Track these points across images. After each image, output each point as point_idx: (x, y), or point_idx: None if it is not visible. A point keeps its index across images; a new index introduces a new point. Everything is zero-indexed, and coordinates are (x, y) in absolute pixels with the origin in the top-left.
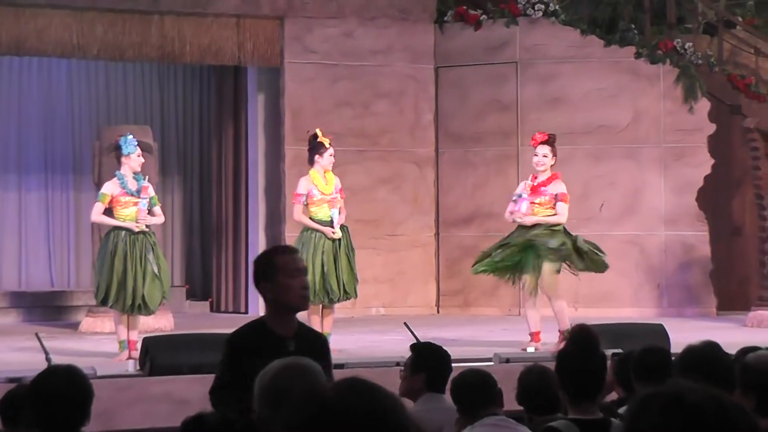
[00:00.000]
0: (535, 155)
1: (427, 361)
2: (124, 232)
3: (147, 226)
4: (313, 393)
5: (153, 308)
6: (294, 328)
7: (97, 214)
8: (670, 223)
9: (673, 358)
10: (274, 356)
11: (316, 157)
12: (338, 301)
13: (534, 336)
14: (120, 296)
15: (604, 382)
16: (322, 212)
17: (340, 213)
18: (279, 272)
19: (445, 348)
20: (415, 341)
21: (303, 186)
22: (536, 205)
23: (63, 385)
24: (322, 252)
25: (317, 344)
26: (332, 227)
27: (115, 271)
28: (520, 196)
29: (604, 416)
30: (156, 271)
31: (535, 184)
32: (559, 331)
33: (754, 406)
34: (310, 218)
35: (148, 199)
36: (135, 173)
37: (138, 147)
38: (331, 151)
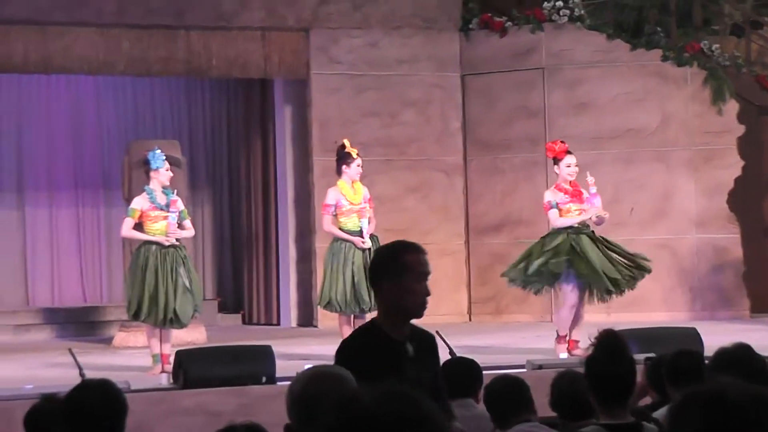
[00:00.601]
0: (568, 165)
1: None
2: (154, 247)
3: (177, 239)
4: (348, 399)
5: (185, 321)
6: (408, 330)
7: (127, 230)
8: (701, 225)
9: (706, 362)
10: (393, 362)
11: (344, 167)
12: (369, 311)
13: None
14: (152, 310)
15: (633, 386)
16: (351, 222)
17: (369, 222)
18: (407, 272)
19: (474, 358)
20: (447, 350)
21: (332, 197)
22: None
23: (97, 400)
24: (353, 262)
25: (431, 344)
26: (362, 237)
27: (147, 285)
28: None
29: (636, 420)
30: (188, 284)
31: (570, 191)
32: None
33: None
34: (340, 228)
35: (177, 213)
36: (164, 187)
37: (166, 161)
38: (358, 161)
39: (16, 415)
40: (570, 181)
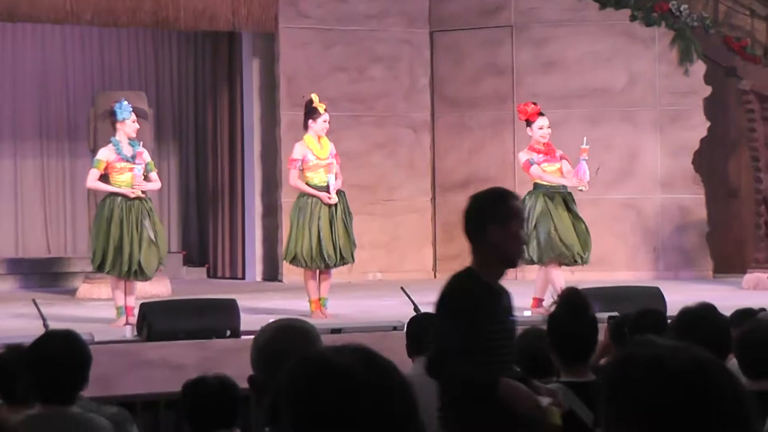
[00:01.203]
0: (541, 127)
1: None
2: (119, 198)
3: (143, 191)
4: (312, 354)
5: (150, 274)
6: (499, 280)
7: (92, 181)
8: (666, 186)
9: (669, 321)
10: (498, 310)
11: (310, 122)
12: (335, 266)
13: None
14: (116, 262)
15: (595, 344)
16: (317, 177)
17: (336, 178)
18: (513, 217)
19: None
20: (412, 307)
21: (298, 151)
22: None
23: (61, 350)
24: (319, 218)
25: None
26: (328, 192)
27: (112, 236)
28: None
29: (597, 378)
30: (152, 237)
31: (543, 150)
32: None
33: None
34: (306, 183)
35: (143, 165)
36: (130, 139)
37: (133, 113)
38: (325, 117)
39: None
40: (543, 143)
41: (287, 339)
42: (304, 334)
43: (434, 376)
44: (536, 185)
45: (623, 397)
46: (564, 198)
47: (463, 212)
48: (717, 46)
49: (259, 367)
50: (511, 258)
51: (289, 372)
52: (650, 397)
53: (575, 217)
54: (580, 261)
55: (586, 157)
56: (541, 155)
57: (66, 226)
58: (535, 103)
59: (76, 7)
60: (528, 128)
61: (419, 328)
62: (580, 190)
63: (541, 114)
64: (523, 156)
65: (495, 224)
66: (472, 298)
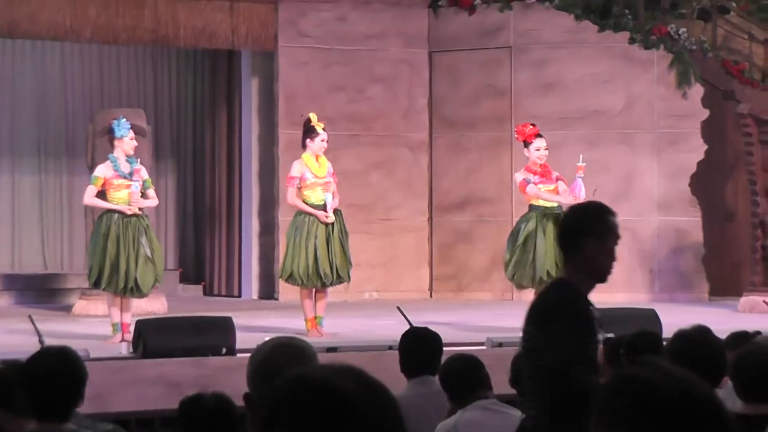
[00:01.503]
0: (538, 149)
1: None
2: (116, 215)
3: (140, 209)
4: (303, 372)
5: (146, 291)
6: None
7: (89, 197)
8: (663, 208)
9: (664, 343)
10: (592, 322)
11: (308, 141)
12: (331, 285)
13: None
14: (112, 279)
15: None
16: (315, 196)
17: (333, 197)
18: (611, 234)
19: (436, 332)
20: (408, 326)
21: (296, 169)
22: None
23: (56, 366)
24: (315, 236)
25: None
26: (325, 211)
27: (108, 253)
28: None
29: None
30: (149, 254)
31: (539, 172)
32: None
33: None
34: (304, 202)
35: (140, 182)
36: (128, 156)
37: (131, 130)
38: (323, 136)
39: None
40: (540, 164)
41: (284, 357)
42: (301, 353)
43: (556, 388)
44: (531, 207)
45: (611, 417)
46: (558, 219)
47: (560, 223)
48: (715, 70)
49: (255, 384)
50: (603, 273)
51: (279, 392)
52: (636, 419)
53: None
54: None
55: (582, 175)
56: (537, 176)
57: (63, 242)
58: (533, 125)
59: (75, 25)
60: (525, 149)
61: (412, 344)
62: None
63: (539, 135)
64: (519, 176)
65: (593, 239)
66: (576, 309)
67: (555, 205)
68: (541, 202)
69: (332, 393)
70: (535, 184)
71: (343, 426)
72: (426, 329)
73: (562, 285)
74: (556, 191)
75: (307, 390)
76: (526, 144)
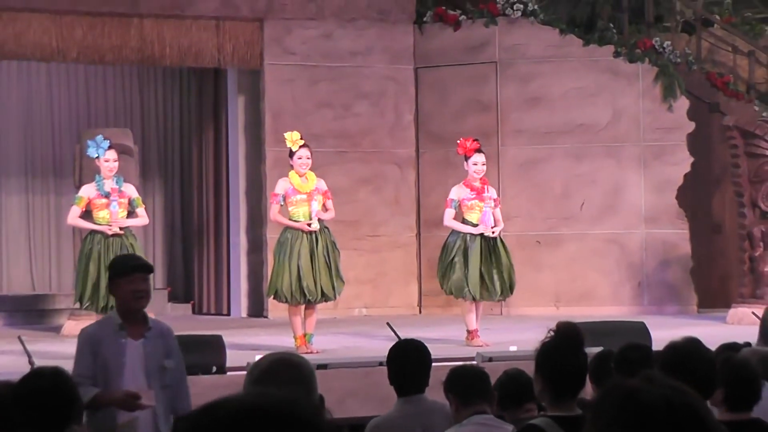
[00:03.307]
0: (475, 163)
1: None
2: (99, 235)
3: (121, 228)
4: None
5: None
6: None
7: (72, 217)
8: (650, 221)
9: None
10: None
11: (291, 160)
12: (316, 302)
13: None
14: (94, 298)
15: (585, 379)
16: (300, 212)
17: (325, 211)
18: None
19: (426, 346)
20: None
21: (280, 186)
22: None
23: (49, 387)
24: (299, 254)
25: None
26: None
27: (90, 273)
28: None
29: (584, 413)
30: None
31: (477, 188)
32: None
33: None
34: (290, 218)
35: (126, 200)
36: (116, 176)
37: (111, 150)
38: (300, 153)
39: None
40: (480, 178)
41: (282, 372)
42: (299, 368)
43: None
44: (464, 220)
45: (598, 425)
46: (486, 238)
47: None
48: (700, 83)
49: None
50: None
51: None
52: (620, 426)
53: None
54: (486, 298)
55: (492, 205)
56: (473, 192)
57: (51, 263)
58: (476, 140)
59: (62, 45)
60: (465, 163)
61: (401, 356)
62: (488, 236)
63: (478, 151)
64: (452, 192)
65: None
66: None
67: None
68: (473, 218)
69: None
70: (469, 200)
71: None
72: (414, 341)
73: None
74: (481, 212)
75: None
76: (466, 158)
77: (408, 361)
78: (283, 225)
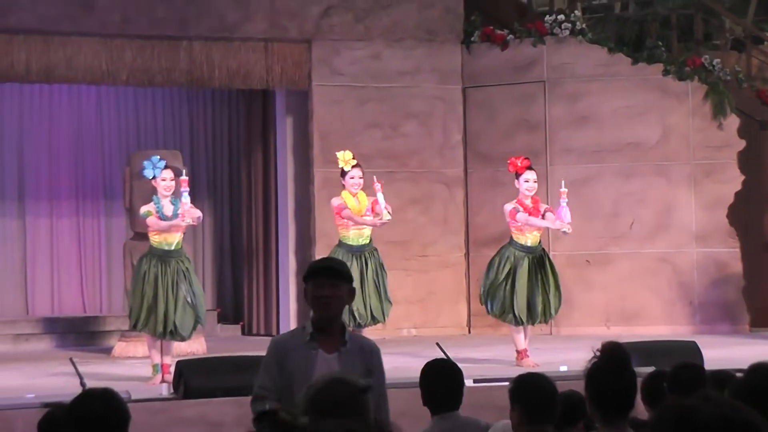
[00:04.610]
0: (527, 180)
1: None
2: (156, 258)
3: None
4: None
5: (185, 335)
6: None
7: (157, 223)
8: (701, 239)
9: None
10: None
11: (343, 180)
12: (366, 325)
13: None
14: (149, 321)
15: (634, 398)
16: (351, 234)
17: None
18: None
19: (473, 370)
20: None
21: (336, 199)
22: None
23: (100, 408)
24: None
25: None
26: (365, 249)
27: (146, 296)
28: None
29: None
30: (189, 298)
31: (528, 207)
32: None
33: None
34: (340, 241)
35: (187, 191)
36: (172, 197)
37: (167, 170)
38: (353, 173)
39: (17, 425)
40: (531, 197)
41: (338, 391)
42: (355, 388)
43: None
44: (512, 242)
45: None
46: (535, 260)
47: None
48: (750, 100)
49: (309, 418)
50: None
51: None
52: None
53: (543, 276)
54: (529, 322)
55: (566, 200)
56: (525, 212)
57: (101, 284)
58: (527, 158)
59: (111, 68)
60: (516, 181)
61: (432, 377)
62: (564, 232)
63: (529, 168)
64: (509, 206)
65: None
66: None
67: (537, 244)
68: (522, 240)
69: None
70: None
71: None
72: (446, 361)
73: None
74: (558, 211)
75: None
76: (517, 175)
77: (440, 380)
78: (365, 224)
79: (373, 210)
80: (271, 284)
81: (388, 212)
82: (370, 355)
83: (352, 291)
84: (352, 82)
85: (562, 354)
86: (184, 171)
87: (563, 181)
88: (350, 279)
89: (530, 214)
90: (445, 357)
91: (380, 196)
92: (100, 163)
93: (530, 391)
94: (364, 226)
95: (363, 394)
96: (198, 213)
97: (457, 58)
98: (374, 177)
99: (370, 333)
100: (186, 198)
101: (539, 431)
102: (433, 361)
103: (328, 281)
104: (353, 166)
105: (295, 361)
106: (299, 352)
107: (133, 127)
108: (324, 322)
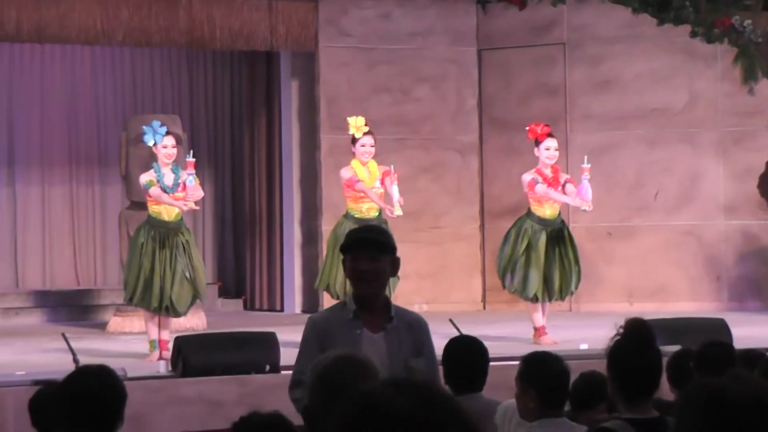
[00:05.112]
0: (548, 148)
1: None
2: (154, 230)
3: (196, 203)
4: (363, 391)
5: (181, 311)
6: None
7: (160, 196)
8: (729, 211)
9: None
10: None
11: (353, 148)
12: None
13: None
14: (146, 295)
15: (659, 379)
16: (365, 209)
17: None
18: None
19: (485, 344)
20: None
21: (347, 171)
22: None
23: (94, 386)
24: None
25: None
26: (390, 210)
27: (143, 269)
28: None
29: (660, 415)
30: (188, 274)
31: (548, 178)
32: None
33: None
34: (347, 212)
35: (194, 175)
36: (172, 165)
37: (168, 136)
38: (364, 141)
39: (7, 403)
40: (551, 166)
41: (345, 371)
42: (362, 367)
43: None
44: (530, 213)
45: (684, 426)
46: (553, 234)
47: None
48: None
49: (315, 398)
50: None
51: (341, 409)
52: (709, 425)
53: (562, 251)
54: (545, 299)
55: (588, 176)
56: (545, 183)
57: (96, 256)
58: (547, 125)
59: (107, 27)
60: (536, 149)
61: (457, 354)
62: (584, 210)
63: (550, 135)
64: (527, 176)
65: None
66: None
67: (556, 216)
68: (540, 212)
69: (388, 414)
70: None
71: None
72: (472, 338)
73: None
74: (579, 188)
75: (364, 409)
76: (537, 143)
77: (465, 359)
78: (376, 203)
79: (382, 182)
80: (275, 257)
81: (400, 206)
82: (419, 331)
83: (397, 262)
84: (361, 44)
85: (583, 331)
86: (191, 152)
87: (586, 157)
88: (393, 249)
89: (549, 185)
90: (459, 333)
91: (395, 189)
92: (94, 128)
93: (543, 372)
94: (367, 200)
95: (371, 372)
96: (201, 193)
97: (472, 18)
98: (391, 167)
99: None
100: (191, 181)
101: (554, 416)
102: (459, 337)
103: (367, 254)
104: (365, 133)
105: (337, 342)
106: (342, 332)
107: (130, 90)
108: (365, 299)
